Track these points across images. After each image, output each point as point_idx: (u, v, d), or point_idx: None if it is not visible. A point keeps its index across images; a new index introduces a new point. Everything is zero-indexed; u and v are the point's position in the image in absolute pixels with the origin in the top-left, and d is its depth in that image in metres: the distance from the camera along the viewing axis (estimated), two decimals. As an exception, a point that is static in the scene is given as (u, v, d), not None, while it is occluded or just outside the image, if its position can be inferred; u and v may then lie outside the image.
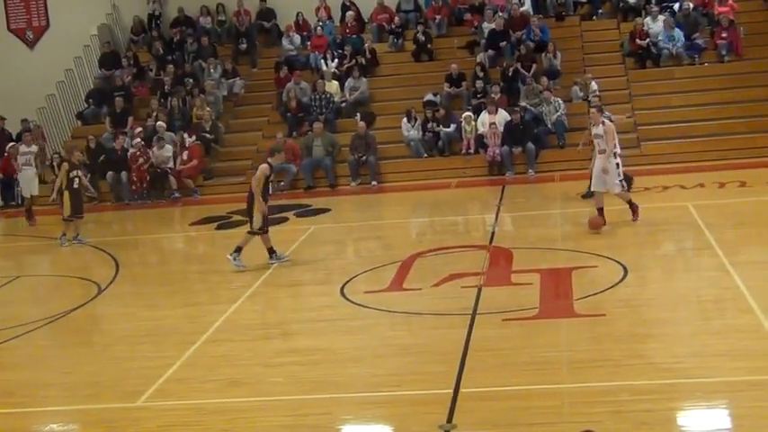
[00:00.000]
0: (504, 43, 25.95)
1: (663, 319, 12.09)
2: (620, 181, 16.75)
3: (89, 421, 10.70)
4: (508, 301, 13.43)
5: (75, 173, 18.87)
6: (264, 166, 15.97)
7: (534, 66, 25.07)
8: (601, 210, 16.63)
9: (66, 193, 18.86)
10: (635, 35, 25.77)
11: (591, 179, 17.02)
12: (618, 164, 16.72)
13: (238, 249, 15.94)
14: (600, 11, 27.68)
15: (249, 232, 16.02)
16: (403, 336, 12.54)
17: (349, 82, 25.79)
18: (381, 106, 25.73)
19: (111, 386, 11.52)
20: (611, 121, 17.45)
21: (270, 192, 16.21)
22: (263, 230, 15.97)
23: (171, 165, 23.78)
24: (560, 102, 23.92)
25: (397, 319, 13.21)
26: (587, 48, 26.78)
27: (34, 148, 23.01)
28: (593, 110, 17.20)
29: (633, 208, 16.99)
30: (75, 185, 18.85)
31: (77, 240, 19.05)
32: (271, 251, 16.07)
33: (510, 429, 9.24)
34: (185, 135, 24.33)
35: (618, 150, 16.81)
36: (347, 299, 14.20)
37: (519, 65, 25.13)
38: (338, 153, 24.02)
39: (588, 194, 17.88)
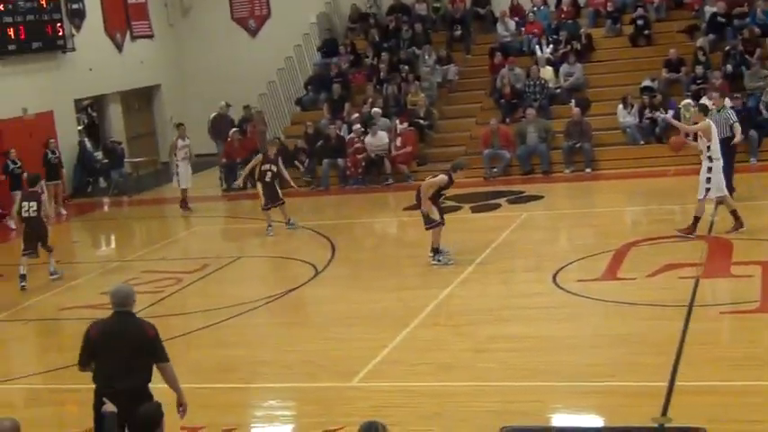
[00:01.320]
0: (727, 27, 25.05)
1: None
2: None
3: (305, 399, 11.03)
4: (727, 293, 13.03)
5: (268, 166, 19.34)
6: (443, 177, 15.88)
7: (759, 50, 24.10)
8: None
9: (259, 185, 19.34)
10: None
11: None
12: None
13: (434, 250, 15.91)
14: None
15: (428, 228, 15.86)
16: (616, 326, 12.35)
17: (564, 67, 25.50)
18: (597, 92, 25.32)
19: (326, 366, 11.84)
20: None
21: (440, 201, 16.07)
22: (437, 224, 15.80)
23: (386, 151, 24.12)
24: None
25: (611, 309, 13.02)
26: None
27: (188, 141, 23.69)
28: None
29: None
30: (268, 179, 19.29)
31: (290, 225, 19.54)
32: (435, 250, 15.82)
33: (725, 426, 8.99)
34: (398, 121, 24.60)
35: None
36: (559, 287, 14.09)
37: (742, 49, 24.22)
38: (552, 139, 23.80)
39: None
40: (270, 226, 19.33)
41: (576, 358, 11.25)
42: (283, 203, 19.54)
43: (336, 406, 10.57)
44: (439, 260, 15.77)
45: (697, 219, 15.93)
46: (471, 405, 10.19)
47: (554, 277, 14.49)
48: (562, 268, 14.94)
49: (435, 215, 15.79)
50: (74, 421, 10.90)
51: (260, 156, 19.61)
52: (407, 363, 11.65)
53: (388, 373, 11.38)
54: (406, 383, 11.01)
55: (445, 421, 9.78)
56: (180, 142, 23.38)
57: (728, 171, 16.99)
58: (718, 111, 18.01)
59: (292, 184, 20.58)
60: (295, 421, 10.58)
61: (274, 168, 19.38)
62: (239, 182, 20.23)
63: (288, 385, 11.50)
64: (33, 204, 16.78)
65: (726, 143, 17.06)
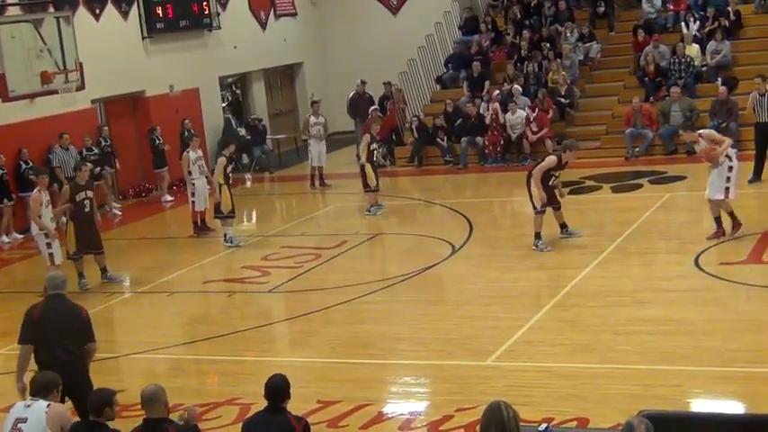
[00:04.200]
0: None
1: None
2: None
3: (440, 377, 11.08)
4: None
5: (374, 146, 19.34)
6: (552, 158, 15.83)
7: None
8: None
9: (368, 166, 19.33)
10: None
11: None
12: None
13: (536, 235, 15.78)
14: None
15: (538, 212, 15.78)
16: (760, 311, 12.04)
17: (711, 45, 24.82)
18: (745, 70, 24.55)
19: (462, 344, 11.87)
20: None
21: (550, 183, 15.85)
22: (540, 212, 15.74)
23: (524, 129, 23.92)
24: None
25: (754, 293, 12.70)
26: None
27: (322, 119, 23.79)
28: None
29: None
30: (375, 158, 19.32)
31: (370, 212, 19.52)
32: (537, 235, 15.74)
33: None
34: (530, 109, 24.27)
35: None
36: (701, 269, 13.79)
37: None
38: (697, 119, 23.20)
39: None
40: (374, 206, 19.36)
41: (718, 343, 11.01)
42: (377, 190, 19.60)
43: (471, 385, 10.59)
44: (536, 245, 15.64)
45: (731, 214, 15.35)
46: (608, 387, 10.09)
47: (696, 260, 14.19)
48: (705, 250, 14.61)
49: (538, 202, 15.72)
50: (215, 391, 11.21)
51: (367, 136, 19.58)
52: (543, 343, 11.59)
53: (523, 353, 11.34)
54: (542, 364, 10.95)
55: (581, 403, 9.69)
56: (312, 119, 23.65)
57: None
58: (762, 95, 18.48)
59: (384, 161, 20.69)
60: (429, 398, 10.63)
61: (378, 147, 19.49)
62: (362, 161, 19.89)
63: (423, 362, 11.57)
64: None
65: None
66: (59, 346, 9.03)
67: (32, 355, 9.17)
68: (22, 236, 20.31)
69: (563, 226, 16.13)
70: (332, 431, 9.69)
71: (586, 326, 12.08)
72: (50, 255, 15.67)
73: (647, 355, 10.88)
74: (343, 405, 10.19)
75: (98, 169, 21.12)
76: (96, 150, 22.09)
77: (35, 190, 15.91)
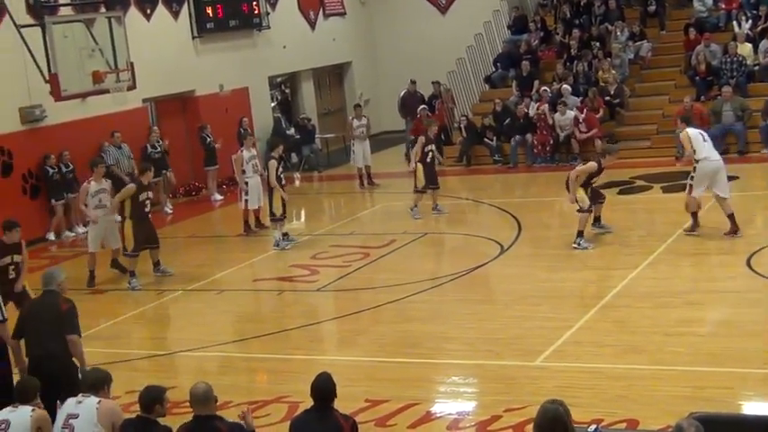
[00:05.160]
0: None
1: None
2: None
3: (488, 377, 11.06)
4: None
5: (429, 147, 19.26)
6: (593, 164, 15.85)
7: None
8: None
9: (419, 166, 19.22)
10: None
11: None
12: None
13: (579, 233, 15.77)
14: None
15: (579, 210, 15.87)
16: (814, 313, 11.89)
17: (763, 44, 24.52)
18: (798, 69, 24.31)
19: (510, 344, 11.84)
20: None
21: (590, 186, 15.94)
22: (586, 211, 15.79)
23: (573, 129, 23.79)
24: None
25: (808, 295, 12.54)
26: None
27: (364, 121, 23.77)
28: None
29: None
30: (429, 159, 19.24)
31: (437, 210, 19.43)
32: (580, 234, 15.79)
33: None
34: (578, 110, 24.12)
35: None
36: (754, 271, 13.65)
37: None
38: (749, 119, 22.98)
39: None
40: (415, 206, 19.26)
41: (769, 345, 10.90)
42: (438, 188, 19.49)
43: (519, 385, 10.56)
44: (578, 244, 15.66)
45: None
46: (658, 389, 10.01)
47: (748, 261, 14.04)
48: (757, 251, 14.46)
49: (585, 203, 15.74)
50: (264, 389, 11.27)
51: (422, 138, 19.47)
52: (593, 344, 11.53)
53: (572, 354, 11.28)
54: (591, 365, 10.89)
55: (631, 404, 9.63)
56: (355, 122, 23.73)
57: None
58: None
59: (441, 160, 20.62)
60: (478, 398, 10.61)
61: (434, 148, 19.39)
62: (412, 164, 19.80)
63: (471, 362, 11.55)
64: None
65: None
66: (42, 340, 9.34)
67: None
68: (73, 234, 20.70)
69: (597, 219, 16.32)
70: (380, 430, 9.71)
71: (636, 327, 12.00)
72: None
73: (697, 356, 10.79)
74: (391, 404, 10.20)
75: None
76: (159, 149, 22.35)
77: (89, 180, 16.54)
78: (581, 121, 23.65)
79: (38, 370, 9.07)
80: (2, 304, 9.92)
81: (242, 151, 19.28)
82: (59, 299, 9.54)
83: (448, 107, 27.14)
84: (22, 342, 9.64)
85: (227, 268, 16.95)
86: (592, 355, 11.20)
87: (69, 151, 20.84)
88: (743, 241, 15.21)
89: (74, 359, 9.40)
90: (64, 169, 20.77)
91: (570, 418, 5.77)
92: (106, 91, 20.48)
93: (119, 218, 16.27)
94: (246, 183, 19.05)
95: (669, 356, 10.88)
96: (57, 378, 8.87)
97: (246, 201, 19.14)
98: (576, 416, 6.01)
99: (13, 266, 12.55)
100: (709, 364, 10.50)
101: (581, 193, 15.79)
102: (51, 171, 20.47)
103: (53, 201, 20.52)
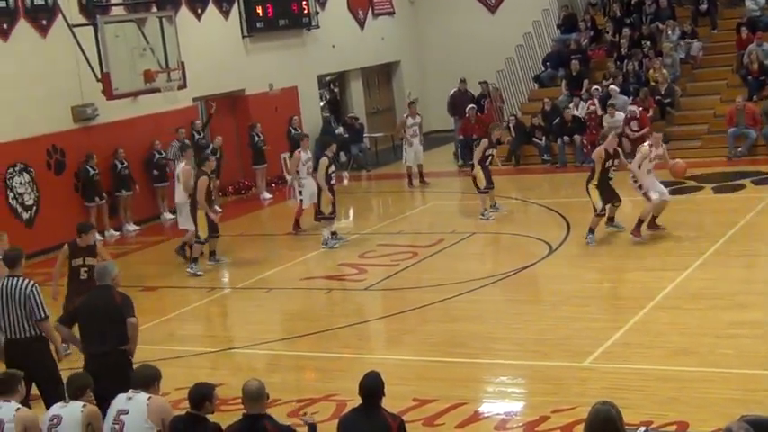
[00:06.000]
0: None
1: None
2: None
3: (536, 377, 11.02)
4: None
5: (490, 151, 19.19)
6: (484, 140, 17.68)
7: None
8: None
9: (478, 167, 19.14)
10: None
11: None
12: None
13: (591, 230, 16.19)
14: None
15: (597, 214, 16.23)
16: None
17: (817, 43, 24.27)
18: None
19: (558, 345, 11.78)
20: None
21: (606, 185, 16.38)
22: (600, 213, 16.21)
23: (622, 129, 23.61)
24: None
25: None
26: None
27: (418, 119, 23.71)
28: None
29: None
30: (488, 163, 19.17)
31: (494, 208, 19.36)
32: (591, 230, 16.21)
33: None
34: (632, 106, 23.93)
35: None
36: (806, 273, 13.49)
37: None
38: (802, 118, 22.72)
39: None
40: (486, 210, 19.15)
41: (822, 348, 10.76)
42: (492, 188, 19.41)
43: (568, 386, 10.52)
44: (589, 240, 16.18)
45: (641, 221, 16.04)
46: (709, 391, 9.93)
47: (801, 263, 13.89)
48: (810, 253, 14.29)
49: (599, 205, 16.19)
50: (312, 387, 11.31)
51: (485, 141, 19.35)
52: (642, 345, 11.45)
53: (621, 355, 11.22)
54: (641, 366, 10.82)
55: (681, 407, 9.56)
56: (410, 120, 23.69)
57: None
58: None
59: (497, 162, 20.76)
60: (526, 399, 10.58)
61: (494, 152, 19.43)
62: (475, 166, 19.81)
63: (519, 362, 11.52)
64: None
65: None
66: (96, 335, 9.40)
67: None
68: (117, 233, 20.97)
69: (610, 219, 16.64)
70: (428, 429, 9.71)
71: (686, 328, 11.90)
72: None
73: (748, 359, 10.68)
74: (439, 404, 10.20)
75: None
76: (214, 146, 22.59)
77: (183, 163, 17.75)
78: (637, 116, 23.43)
79: (92, 365, 9.14)
80: (42, 301, 9.83)
81: (300, 152, 19.32)
82: (114, 292, 9.59)
83: (497, 106, 27.06)
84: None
85: (275, 266, 17.04)
86: (641, 356, 11.12)
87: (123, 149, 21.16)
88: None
89: (125, 349, 9.39)
90: (119, 166, 21.03)
91: (622, 421, 5.75)
92: (157, 90, 20.67)
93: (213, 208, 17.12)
94: (302, 183, 19.15)
95: (720, 359, 10.78)
96: (108, 374, 8.94)
97: (301, 201, 19.25)
98: (625, 417, 5.98)
99: (85, 269, 12.62)
100: (760, 367, 10.39)
101: (595, 195, 16.15)
102: (92, 172, 20.58)
103: (86, 203, 20.58)
